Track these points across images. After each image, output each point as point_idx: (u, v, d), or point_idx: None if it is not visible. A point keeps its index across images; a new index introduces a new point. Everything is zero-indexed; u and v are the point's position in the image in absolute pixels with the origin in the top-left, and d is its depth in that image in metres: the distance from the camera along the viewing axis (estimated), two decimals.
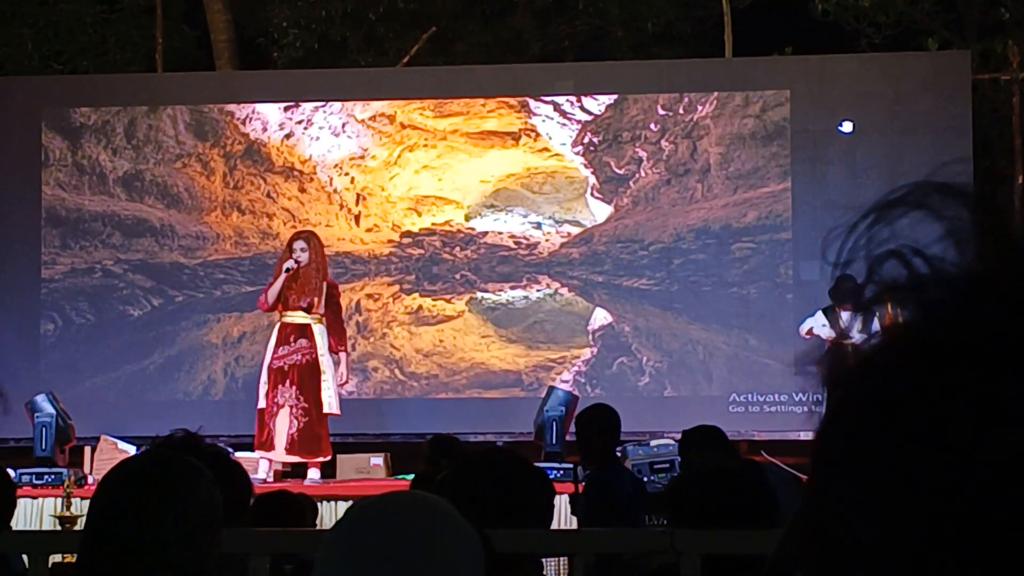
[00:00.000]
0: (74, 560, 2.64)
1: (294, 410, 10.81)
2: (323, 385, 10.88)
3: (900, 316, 0.63)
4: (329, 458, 11.00)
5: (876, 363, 0.62)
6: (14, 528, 9.49)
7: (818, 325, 11.15)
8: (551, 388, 11.58)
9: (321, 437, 10.90)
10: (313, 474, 10.86)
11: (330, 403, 10.92)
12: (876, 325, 0.65)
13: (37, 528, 9.63)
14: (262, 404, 10.93)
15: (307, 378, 10.84)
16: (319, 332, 10.96)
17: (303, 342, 10.89)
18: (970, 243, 0.62)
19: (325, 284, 11.01)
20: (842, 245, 0.64)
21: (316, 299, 10.89)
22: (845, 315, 10.43)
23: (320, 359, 10.91)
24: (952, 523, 0.58)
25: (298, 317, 10.92)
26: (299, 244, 10.94)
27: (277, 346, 10.92)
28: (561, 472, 9.64)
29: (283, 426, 10.78)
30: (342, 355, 11.20)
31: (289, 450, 10.84)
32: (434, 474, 4.77)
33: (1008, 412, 0.58)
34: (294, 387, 10.81)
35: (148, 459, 2.67)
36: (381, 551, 1.91)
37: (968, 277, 0.62)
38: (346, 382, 11.36)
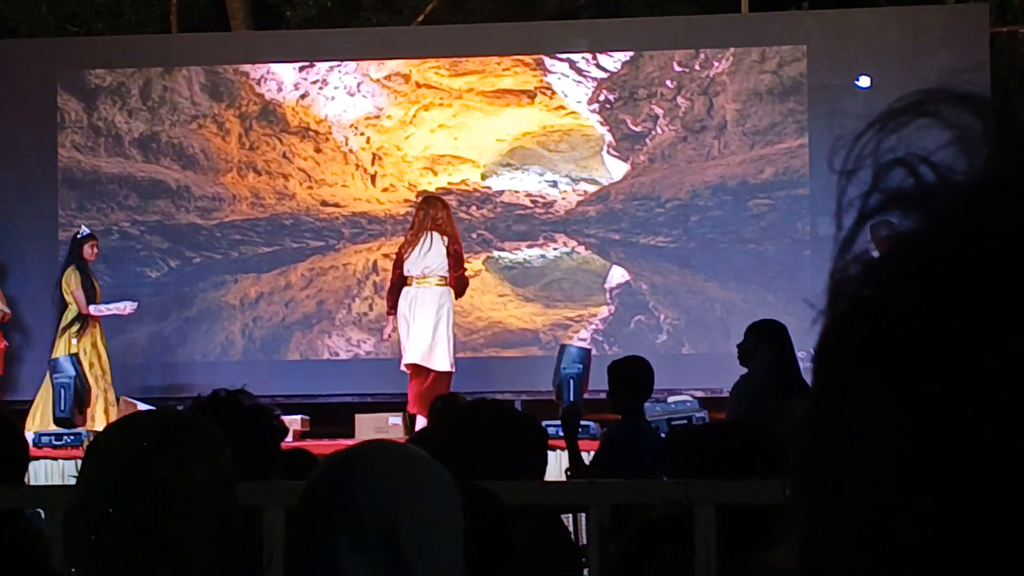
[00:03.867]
0: (62, 529, 2.33)
1: None
2: None
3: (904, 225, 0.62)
4: None
5: (880, 272, 0.61)
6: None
7: None
8: (563, 347, 11.60)
9: None
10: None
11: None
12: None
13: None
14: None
15: None
16: None
17: None
18: (979, 152, 0.61)
19: None
20: (848, 153, 0.63)
21: None
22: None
23: None
24: (954, 433, 0.57)
25: None
26: None
27: None
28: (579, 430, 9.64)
29: None
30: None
31: None
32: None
33: (1012, 321, 0.57)
34: None
35: (167, 425, 2.35)
36: (355, 498, 1.91)
37: (976, 186, 0.61)
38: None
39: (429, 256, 11.14)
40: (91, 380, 11.49)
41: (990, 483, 0.57)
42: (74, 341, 11.68)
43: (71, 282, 11.76)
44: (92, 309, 11.79)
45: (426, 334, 11.14)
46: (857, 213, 0.63)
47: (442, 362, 11.21)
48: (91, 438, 10.35)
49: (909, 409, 0.58)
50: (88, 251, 11.87)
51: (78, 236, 11.97)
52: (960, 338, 0.58)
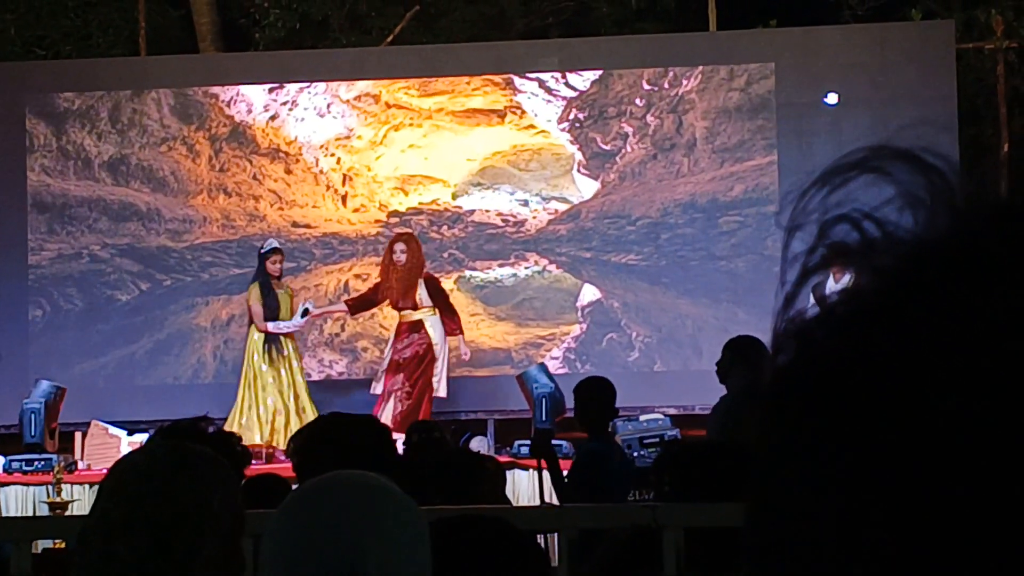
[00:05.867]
0: (75, 544, 2.38)
1: (398, 394, 11.56)
2: (434, 371, 11.61)
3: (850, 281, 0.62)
4: None
5: (824, 327, 0.62)
6: (4, 515, 9.46)
7: None
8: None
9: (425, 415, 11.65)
10: None
11: (439, 386, 11.67)
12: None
13: (28, 515, 9.62)
14: (378, 391, 11.78)
15: (418, 366, 11.61)
16: (431, 325, 11.65)
17: (415, 336, 11.64)
18: (924, 208, 0.62)
19: (421, 281, 11.68)
20: (793, 209, 0.64)
21: (416, 298, 11.66)
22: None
23: (434, 348, 11.64)
24: (900, 489, 0.58)
25: (411, 315, 11.69)
26: (399, 246, 11.71)
27: (395, 341, 11.79)
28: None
29: (389, 410, 11.47)
30: (459, 337, 11.85)
31: (394, 429, 11.31)
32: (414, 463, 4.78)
33: (945, 380, 0.57)
34: (402, 375, 11.59)
35: (188, 451, 2.38)
36: (322, 531, 1.92)
37: (920, 242, 0.62)
38: (468, 357, 12.04)
39: None
40: (279, 404, 11.28)
41: (935, 532, 0.57)
42: (264, 367, 11.35)
43: (251, 296, 11.49)
44: (270, 326, 11.45)
45: None
46: (800, 268, 0.63)
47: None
48: (62, 462, 10.31)
49: (853, 466, 0.59)
50: (271, 266, 11.50)
51: (262, 251, 11.68)
52: (902, 394, 0.58)
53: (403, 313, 11.74)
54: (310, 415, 10.96)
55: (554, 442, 10.02)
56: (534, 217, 13.21)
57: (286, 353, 11.53)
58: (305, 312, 11.66)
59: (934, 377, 0.58)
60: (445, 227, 13.23)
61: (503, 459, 10.43)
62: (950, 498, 0.57)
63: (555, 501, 7.51)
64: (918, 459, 0.58)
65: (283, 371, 11.47)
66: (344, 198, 13.31)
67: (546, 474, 7.47)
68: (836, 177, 0.64)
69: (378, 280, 12.03)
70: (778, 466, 0.61)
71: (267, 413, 11.33)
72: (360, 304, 12.15)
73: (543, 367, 11.71)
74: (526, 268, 13.20)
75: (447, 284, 13.17)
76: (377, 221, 13.28)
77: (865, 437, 0.58)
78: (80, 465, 11.05)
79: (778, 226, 0.64)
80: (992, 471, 0.57)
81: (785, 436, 0.61)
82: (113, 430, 11.39)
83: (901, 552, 0.58)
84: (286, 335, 11.55)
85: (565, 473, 7.66)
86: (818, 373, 0.61)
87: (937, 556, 0.57)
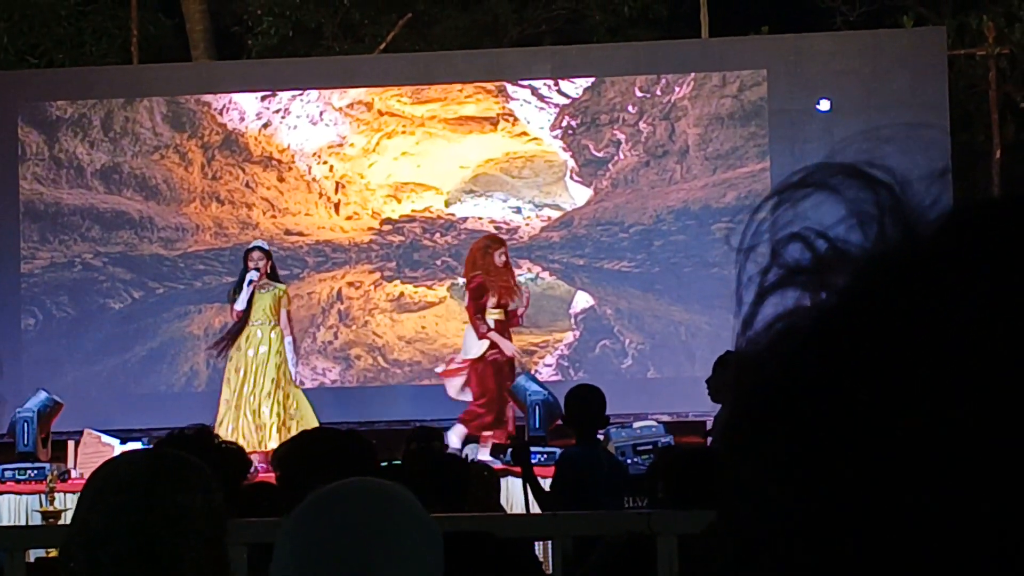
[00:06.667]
0: (59, 555, 2.39)
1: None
2: None
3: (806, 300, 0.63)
4: None
5: (781, 348, 0.63)
6: None
7: None
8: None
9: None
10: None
11: None
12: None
13: (21, 524, 9.62)
14: (461, 391, 11.45)
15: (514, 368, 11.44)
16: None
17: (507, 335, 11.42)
18: (873, 225, 0.62)
19: None
20: (745, 230, 0.65)
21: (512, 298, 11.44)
22: None
23: None
24: (868, 507, 0.58)
25: (498, 315, 11.35)
26: (502, 249, 11.34)
27: (506, 342, 11.31)
28: (545, 456, 9.67)
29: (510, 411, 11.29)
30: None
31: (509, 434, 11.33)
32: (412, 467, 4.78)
33: (914, 393, 0.58)
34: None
35: (166, 457, 2.41)
36: (336, 538, 1.92)
37: (871, 259, 0.62)
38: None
39: None
40: (272, 411, 11.17)
41: (904, 542, 0.58)
42: (233, 356, 11.31)
43: (230, 294, 11.50)
44: (236, 307, 11.31)
45: None
46: (756, 289, 0.64)
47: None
48: (55, 471, 10.29)
49: (821, 482, 0.59)
50: (249, 263, 11.31)
51: None
52: (864, 408, 0.59)
53: (495, 312, 11.37)
54: (308, 421, 10.90)
55: (547, 449, 10.03)
56: (527, 224, 13.22)
57: (258, 352, 11.37)
58: (247, 280, 11.37)
59: (893, 390, 0.58)
60: (438, 234, 13.24)
61: (497, 467, 10.44)
62: (916, 507, 0.57)
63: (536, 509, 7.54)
64: (882, 472, 0.58)
65: (263, 373, 11.33)
66: (337, 206, 13.32)
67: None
68: (786, 196, 0.65)
69: (481, 287, 11.38)
70: (746, 483, 0.62)
71: (253, 423, 11.24)
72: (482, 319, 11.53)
73: (531, 376, 11.68)
74: (519, 275, 13.20)
75: (440, 291, 13.20)
76: (370, 229, 13.29)
77: (831, 453, 0.59)
78: (73, 474, 11.02)
79: (730, 248, 0.65)
80: (955, 478, 0.57)
81: (751, 455, 0.61)
82: (106, 438, 11.37)
83: (869, 566, 0.58)
84: (264, 333, 11.36)
85: (548, 482, 7.70)
86: (781, 392, 0.61)
87: (907, 565, 0.58)
